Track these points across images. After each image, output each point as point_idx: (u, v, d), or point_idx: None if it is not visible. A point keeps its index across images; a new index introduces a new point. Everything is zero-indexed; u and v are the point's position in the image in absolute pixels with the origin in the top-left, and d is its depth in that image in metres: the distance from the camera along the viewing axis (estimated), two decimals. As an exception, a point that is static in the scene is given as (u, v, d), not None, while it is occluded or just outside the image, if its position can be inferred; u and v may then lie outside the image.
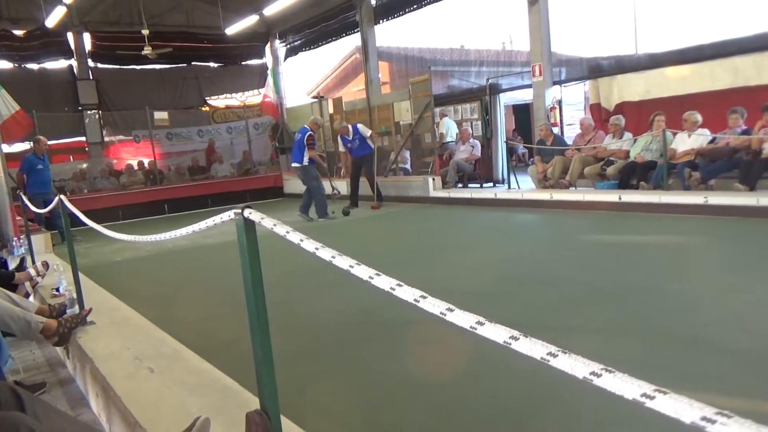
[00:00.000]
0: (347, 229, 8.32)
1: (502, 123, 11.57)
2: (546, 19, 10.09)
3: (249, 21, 14.07)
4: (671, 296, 3.70)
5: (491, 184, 10.81)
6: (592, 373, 0.77)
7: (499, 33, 19.25)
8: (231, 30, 14.35)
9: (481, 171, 10.79)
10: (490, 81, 11.58)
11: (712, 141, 7.24)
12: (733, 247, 5.11)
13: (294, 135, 14.71)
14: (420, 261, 5.57)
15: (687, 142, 7.40)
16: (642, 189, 7.48)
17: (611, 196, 7.41)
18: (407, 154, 11.61)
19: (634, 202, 7.10)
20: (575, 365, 0.80)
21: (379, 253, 6.23)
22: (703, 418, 0.64)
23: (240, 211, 1.63)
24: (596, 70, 10.04)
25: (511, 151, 10.90)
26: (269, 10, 13.70)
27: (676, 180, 7.25)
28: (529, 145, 10.86)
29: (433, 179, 10.14)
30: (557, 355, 0.83)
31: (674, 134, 7.56)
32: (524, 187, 9.36)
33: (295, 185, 13.50)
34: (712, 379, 2.46)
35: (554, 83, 10.29)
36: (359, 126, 9.97)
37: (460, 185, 10.49)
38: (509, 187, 9.44)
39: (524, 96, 12.25)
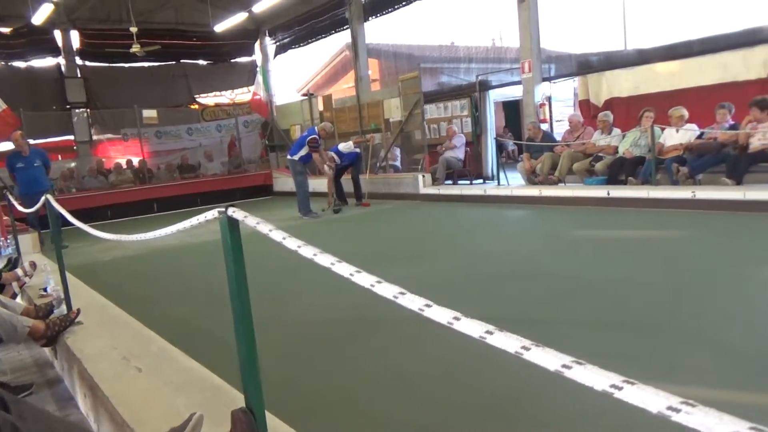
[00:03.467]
0: (339, 227, 8.33)
1: (492, 119, 11.60)
2: (535, 15, 10.13)
3: (238, 18, 14.02)
4: (659, 290, 3.74)
5: (481, 181, 10.84)
6: (564, 366, 0.79)
7: (488, 29, 19.28)
8: (220, 27, 14.30)
9: (471, 167, 10.82)
10: (479, 77, 11.60)
11: (700, 136, 7.29)
12: (720, 241, 5.16)
13: (284, 132, 14.80)
14: (411, 257, 5.59)
15: (675, 137, 7.45)
16: (630, 184, 7.53)
17: (600, 192, 7.46)
18: (397, 151, 11.63)
19: (622, 197, 7.15)
20: (547, 358, 0.81)
21: (372, 249, 6.24)
22: (669, 408, 0.66)
23: (224, 209, 1.63)
24: (585, 66, 10.09)
25: (500, 147, 10.93)
26: (259, 7, 13.67)
27: (664, 175, 7.30)
28: (519, 142, 10.91)
29: (423, 176, 10.16)
30: (530, 349, 0.84)
31: (663, 129, 7.61)
32: (514, 183, 9.39)
33: (285, 183, 13.50)
34: (698, 370, 2.49)
35: (544, 79, 10.34)
36: (341, 146, 9.93)
37: (449, 182, 10.52)
38: (499, 184, 9.47)
39: (514, 92, 12.29)
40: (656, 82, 8.84)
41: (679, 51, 8.74)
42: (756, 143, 6.71)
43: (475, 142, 11.01)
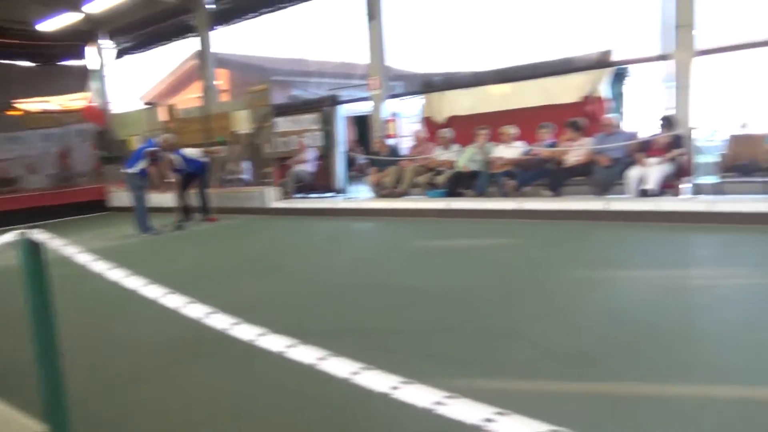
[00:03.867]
0: (181, 244, 7.90)
1: (343, 133, 11.81)
2: (384, 35, 10.56)
3: (71, 18, 12.83)
4: (489, 294, 4.06)
5: (331, 194, 10.98)
6: (353, 373, 0.83)
7: (339, 46, 19.70)
8: (48, 26, 12.97)
9: (322, 181, 10.91)
10: (330, 92, 11.77)
11: (527, 153, 8.07)
12: (540, 247, 5.73)
13: (123, 143, 13.78)
14: (258, 272, 5.48)
15: (505, 153, 8.17)
16: (467, 196, 8.11)
17: (440, 204, 7.94)
18: (246, 164, 11.37)
19: (460, 208, 7.68)
20: (340, 366, 0.85)
21: (215, 265, 6.01)
22: (435, 402, 0.72)
23: (23, 232, 1.48)
24: (429, 85, 10.68)
25: (352, 161, 11.17)
26: (93, 7, 12.62)
27: (496, 188, 7.96)
28: (368, 156, 11.23)
29: (272, 189, 10.04)
30: (326, 359, 0.87)
31: (495, 146, 8.30)
32: (362, 196, 9.63)
33: (122, 198, 12.55)
34: (519, 366, 2.73)
35: (391, 96, 10.77)
36: (186, 151, 9.45)
37: (300, 195, 10.52)
38: (348, 197, 9.67)
39: (364, 107, 12.65)
40: (490, 103, 9.61)
41: (508, 75, 9.61)
42: (571, 159, 7.61)
43: (325, 155, 11.13)
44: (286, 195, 10.16)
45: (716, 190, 7.00)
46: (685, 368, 2.59)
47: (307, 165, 10.60)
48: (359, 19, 10.90)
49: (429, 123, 10.37)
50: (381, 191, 9.20)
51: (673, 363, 2.66)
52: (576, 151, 7.60)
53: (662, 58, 8.01)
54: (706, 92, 7.90)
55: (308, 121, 11.56)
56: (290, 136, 11.75)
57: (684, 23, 7.59)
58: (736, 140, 7.48)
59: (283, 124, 11.75)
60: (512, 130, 8.26)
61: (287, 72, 15.44)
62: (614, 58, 8.51)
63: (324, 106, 11.47)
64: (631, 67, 8.65)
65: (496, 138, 8.37)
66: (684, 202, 6.61)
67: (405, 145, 10.49)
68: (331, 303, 4.18)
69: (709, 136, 8.37)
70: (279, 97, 12.94)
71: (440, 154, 8.84)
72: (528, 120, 8.55)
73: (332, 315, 3.82)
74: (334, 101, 11.55)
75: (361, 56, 11.42)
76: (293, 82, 15.15)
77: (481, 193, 7.97)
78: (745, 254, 4.81)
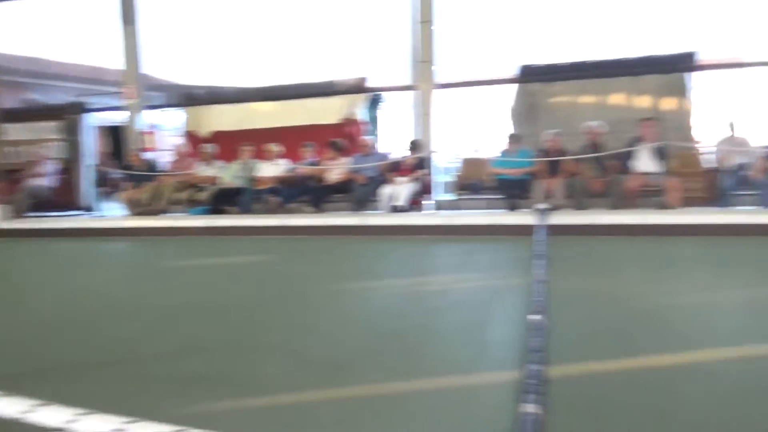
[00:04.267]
0: None
1: (91, 145, 10.65)
2: (140, 41, 9.88)
3: None
4: (249, 310, 3.98)
5: (76, 212, 9.77)
6: (23, 412, 0.73)
7: (88, 48, 17.78)
8: None
9: (64, 197, 9.66)
10: (76, 98, 10.56)
11: (290, 170, 8.22)
12: (302, 262, 5.85)
13: None
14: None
15: (269, 170, 8.22)
16: (231, 213, 7.94)
17: (203, 221, 7.64)
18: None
19: (224, 226, 7.48)
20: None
21: None
22: (67, 421, 0.65)
23: None
24: (191, 98, 10.25)
25: (103, 175, 10.11)
26: None
27: (260, 204, 7.94)
28: (122, 171, 10.32)
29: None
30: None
31: (260, 163, 8.30)
32: (115, 214, 8.79)
33: None
34: (279, 378, 2.70)
35: (148, 107, 10.09)
36: None
37: (36, 214, 9.15)
38: (97, 215, 8.74)
39: (117, 118, 11.59)
40: (256, 120, 9.64)
41: (273, 93, 9.75)
42: (332, 177, 7.97)
43: (69, 168, 9.89)
44: (17, 214, 8.76)
45: (453, 206, 7.98)
46: (422, 366, 2.84)
47: (45, 179, 9.31)
48: (112, 22, 10.03)
49: (192, 137, 9.95)
50: (136, 209, 8.49)
51: (412, 362, 2.90)
52: (336, 170, 7.99)
53: (410, 88, 8.92)
54: (446, 120, 9.04)
55: (48, 129, 10.22)
56: (24, 145, 10.22)
57: (425, 59, 8.56)
58: (468, 163, 8.66)
59: (15, 131, 10.20)
60: (276, 147, 8.36)
61: (21, 72, 13.37)
62: (370, 84, 9.21)
63: (68, 114, 10.25)
64: (385, 94, 9.45)
65: (261, 155, 8.38)
66: (427, 216, 7.39)
67: (165, 159, 9.86)
68: (64, 336, 3.66)
69: (448, 158, 9.53)
70: (10, 101, 11.20)
71: (203, 170, 8.51)
72: (292, 138, 8.76)
73: (74, 347, 3.35)
74: (82, 109, 10.41)
75: (115, 61, 10.49)
76: (29, 84, 13.20)
77: (246, 210, 7.88)
78: (476, 261, 5.54)
